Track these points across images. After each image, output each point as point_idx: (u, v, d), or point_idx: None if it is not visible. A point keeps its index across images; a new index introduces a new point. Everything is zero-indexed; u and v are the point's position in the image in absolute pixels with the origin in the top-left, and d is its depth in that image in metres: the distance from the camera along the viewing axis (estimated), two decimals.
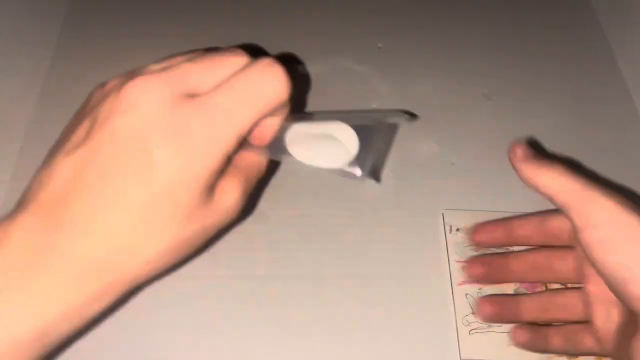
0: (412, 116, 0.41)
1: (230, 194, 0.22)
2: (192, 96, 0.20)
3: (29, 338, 0.18)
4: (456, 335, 0.35)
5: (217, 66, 0.22)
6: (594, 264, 0.22)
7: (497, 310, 0.31)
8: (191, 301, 0.36)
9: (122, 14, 0.57)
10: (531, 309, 0.29)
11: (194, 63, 0.22)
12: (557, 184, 0.24)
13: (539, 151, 0.30)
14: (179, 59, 0.23)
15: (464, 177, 0.45)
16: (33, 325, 0.18)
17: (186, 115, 0.19)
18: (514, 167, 0.26)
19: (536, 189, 0.25)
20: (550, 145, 0.47)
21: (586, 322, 0.27)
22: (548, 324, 0.30)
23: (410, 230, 0.41)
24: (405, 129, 0.48)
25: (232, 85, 0.21)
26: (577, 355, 0.29)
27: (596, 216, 0.22)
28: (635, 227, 0.21)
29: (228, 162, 0.21)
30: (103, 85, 0.23)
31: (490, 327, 0.33)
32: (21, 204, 0.21)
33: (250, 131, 0.21)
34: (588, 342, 0.27)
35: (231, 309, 0.36)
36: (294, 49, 0.54)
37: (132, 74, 0.21)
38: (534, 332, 0.30)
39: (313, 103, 0.50)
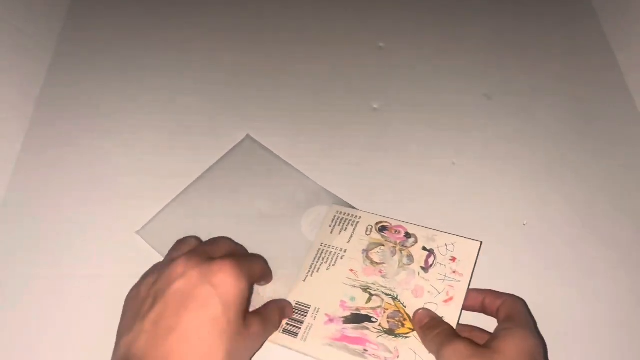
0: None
1: (256, 325, 0.33)
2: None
3: None
4: None
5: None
6: None
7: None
8: None
9: (122, 15, 0.57)
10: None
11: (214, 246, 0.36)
12: (426, 345, 0.35)
13: None
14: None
15: (464, 177, 0.45)
16: None
17: (224, 275, 0.31)
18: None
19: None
20: (550, 145, 0.47)
21: None
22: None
23: None
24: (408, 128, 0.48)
25: (249, 262, 0.35)
26: None
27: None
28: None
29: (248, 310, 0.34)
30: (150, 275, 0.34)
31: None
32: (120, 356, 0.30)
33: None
34: None
35: None
36: (295, 49, 0.54)
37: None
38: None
39: (316, 102, 0.50)
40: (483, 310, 0.37)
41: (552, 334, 0.35)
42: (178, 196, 0.43)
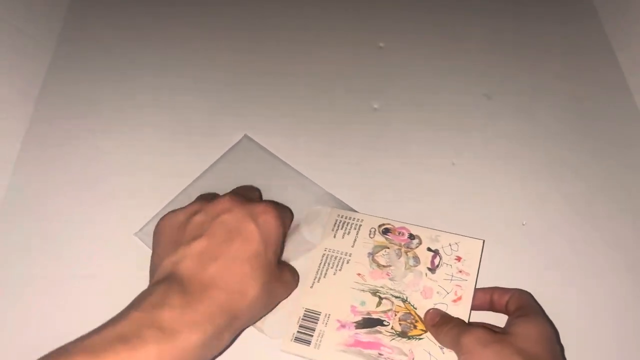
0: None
1: (288, 273, 0.36)
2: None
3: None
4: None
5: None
6: None
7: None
8: None
9: (122, 15, 0.57)
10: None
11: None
12: (441, 340, 0.35)
13: None
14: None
15: (464, 177, 0.45)
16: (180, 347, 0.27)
17: (268, 216, 0.33)
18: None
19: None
20: (550, 145, 0.47)
21: None
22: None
23: None
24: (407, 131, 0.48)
25: (282, 210, 0.36)
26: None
27: (465, 348, 0.32)
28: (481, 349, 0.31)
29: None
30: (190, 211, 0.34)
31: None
32: (162, 277, 0.30)
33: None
34: None
35: None
36: (295, 49, 0.54)
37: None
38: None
39: (316, 102, 0.50)
40: (491, 307, 0.37)
41: None
42: (176, 197, 0.43)
